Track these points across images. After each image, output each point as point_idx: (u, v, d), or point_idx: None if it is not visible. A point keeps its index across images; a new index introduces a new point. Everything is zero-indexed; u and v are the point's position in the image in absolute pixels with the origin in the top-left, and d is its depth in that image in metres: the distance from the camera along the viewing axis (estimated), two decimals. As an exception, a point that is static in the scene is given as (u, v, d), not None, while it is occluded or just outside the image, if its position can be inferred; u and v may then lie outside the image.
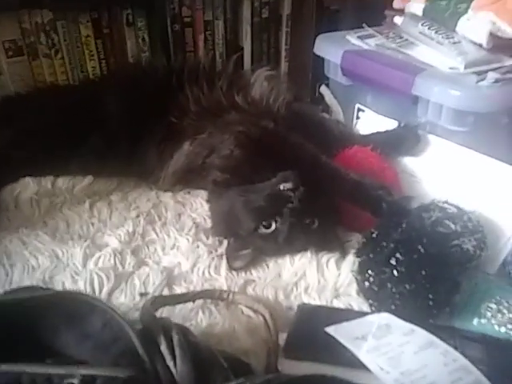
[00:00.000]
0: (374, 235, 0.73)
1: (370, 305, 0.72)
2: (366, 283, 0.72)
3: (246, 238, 0.82)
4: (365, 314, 0.70)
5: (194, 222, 0.94)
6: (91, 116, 1.03)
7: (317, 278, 0.80)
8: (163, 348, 0.46)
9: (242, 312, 0.73)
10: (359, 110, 1.12)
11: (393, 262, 0.68)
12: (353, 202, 0.81)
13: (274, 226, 0.79)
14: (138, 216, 0.95)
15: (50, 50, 1.18)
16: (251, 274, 0.82)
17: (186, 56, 1.29)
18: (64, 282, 0.78)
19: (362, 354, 0.59)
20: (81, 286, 0.77)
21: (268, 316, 0.70)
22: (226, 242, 0.87)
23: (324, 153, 0.88)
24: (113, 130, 1.03)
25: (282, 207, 0.78)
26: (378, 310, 0.70)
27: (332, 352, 0.61)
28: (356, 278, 0.75)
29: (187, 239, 0.88)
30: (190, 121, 0.99)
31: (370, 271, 0.70)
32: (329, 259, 0.82)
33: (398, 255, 0.68)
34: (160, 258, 0.85)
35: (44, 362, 0.45)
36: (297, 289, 0.79)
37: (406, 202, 0.75)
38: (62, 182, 0.99)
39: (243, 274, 0.82)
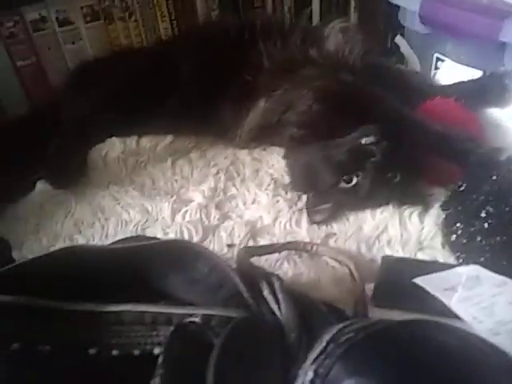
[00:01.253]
0: (462, 188, 0.72)
1: (458, 257, 0.71)
2: (454, 236, 0.71)
3: (326, 192, 0.83)
4: (452, 266, 0.70)
5: (272, 178, 0.95)
6: (167, 77, 1.05)
7: (399, 231, 0.80)
8: (266, 293, 0.49)
9: (327, 263, 0.75)
10: (438, 59, 1.08)
11: (483, 214, 0.67)
12: (439, 155, 0.79)
13: (355, 180, 0.80)
14: (217, 173, 0.98)
15: (124, 13, 1.21)
16: (332, 227, 0.83)
17: (255, 12, 1.27)
18: (156, 234, 0.83)
19: (454, 303, 0.59)
20: (172, 237, 0.81)
21: (353, 267, 0.72)
22: (305, 197, 0.88)
23: (404, 105, 0.86)
24: (188, 90, 1.04)
25: (364, 162, 0.77)
26: (466, 263, 0.69)
27: (422, 301, 0.62)
28: (442, 231, 0.75)
29: (267, 194, 0.90)
30: (265, 77, 0.99)
31: (458, 224, 0.70)
32: (411, 213, 0.82)
33: (488, 208, 0.67)
34: (242, 212, 0.88)
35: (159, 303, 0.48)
36: (379, 242, 0.79)
37: (494, 154, 0.73)
38: (146, 141, 1.04)
39: (324, 227, 0.83)
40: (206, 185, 0.93)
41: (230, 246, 0.80)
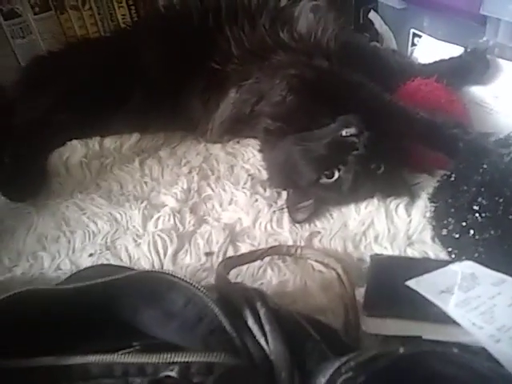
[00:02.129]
0: (451, 179, 0.67)
1: (449, 252, 0.67)
2: (444, 230, 0.67)
3: (307, 188, 0.78)
4: (444, 262, 0.66)
5: (249, 174, 0.90)
6: (128, 69, 0.98)
7: (386, 225, 0.75)
8: (251, 323, 0.44)
9: (313, 267, 0.70)
10: (415, 35, 1.03)
11: (476, 207, 0.63)
12: (425, 144, 0.75)
13: (337, 175, 0.74)
14: (190, 172, 0.92)
15: (76, 1, 1.12)
16: (315, 225, 0.78)
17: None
18: (127, 246, 0.77)
19: (451, 308, 0.55)
20: (144, 249, 0.75)
21: (340, 270, 0.67)
22: (285, 194, 0.83)
23: (383, 88, 0.81)
24: (152, 83, 0.97)
25: (346, 155, 0.72)
26: (459, 258, 0.65)
27: (416, 307, 0.57)
28: (431, 225, 0.70)
29: (244, 193, 0.85)
30: (234, 66, 0.93)
31: (449, 218, 0.65)
32: (397, 205, 0.78)
33: (481, 200, 0.63)
34: (219, 215, 0.82)
35: (132, 346, 0.43)
36: (366, 238, 0.75)
37: (484, 140, 0.68)
38: (110, 141, 0.97)
39: (307, 226, 0.78)
40: (178, 186, 0.87)
41: (208, 254, 0.74)
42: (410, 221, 0.76)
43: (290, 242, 0.75)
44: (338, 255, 0.72)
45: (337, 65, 0.83)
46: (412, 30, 1.03)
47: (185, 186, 0.87)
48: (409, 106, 0.75)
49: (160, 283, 0.45)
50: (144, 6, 1.18)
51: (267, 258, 0.71)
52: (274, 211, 0.80)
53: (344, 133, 0.72)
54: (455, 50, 0.93)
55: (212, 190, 0.87)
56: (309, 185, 0.77)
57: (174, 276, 0.44)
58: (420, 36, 1.01)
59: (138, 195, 0.87)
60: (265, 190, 0.86)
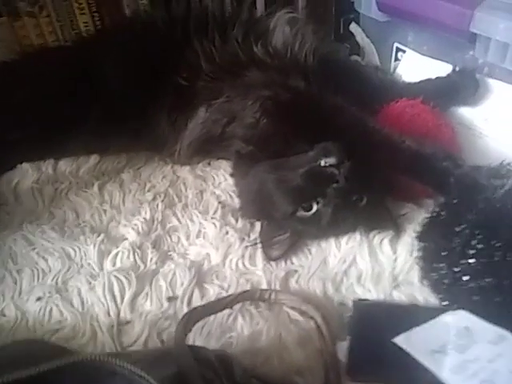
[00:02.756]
0: (441, 216, 0.61)
1: (441, 299, 0.60)
2: (435, 274, 0.60)
3: (282, 221, 0.70)
4: (435, 310, 0.59)
5: (220, 202, 0.82)
6: (88, 83, 0.88)
7: (370, 263, 0.69)
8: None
9: (289, 315, 0.62)
10: (398, 50, 0.96)
11: (470, 251, 0.56)
12: (411, 177, 0.68)
13: (315, 207, 0.67)
14: (154, 198, 0.83)
15: (33, 7, 1.02)
16: (292, 263, 0.71)
17: (190, 3, 1.10)
18: (80, 288, 0.68)
19: (446, 374, 0.48)
20: (99, 292, 0.67)
21: (320, 319, 0.60)
22: (258, 226, 0.75)
23: (365, 109, 0.74)
24: (114, 98, 0.88)
25: (325, 187, 0.65)
26: (451, 306, 0.58)
27: (406, 370, 0.50)
28: (420, 266, 0.63)
29: (214, 224, 0.77)
30: (203, 82, 0.85)
31: (440, 262, 0.58)
32: (382, 240, 0.71)
33: (475, 243, 0.56)
34: (186, 250, 0.74)
35: None
36: (347, 278, 0.68)
37: (477, 174, 0.62)
38: (65, 164, 0.88)
39: (283, 263, 0.71)
40: (140, 217, 0.78)
41: (171, 299, 0.66)
42: (396, 259, 0.69)
43: (264, 283, 0.68)
44: (316, 299, 0.65)
45: (315, 84, 0.75)
46: (396, 45, 0.96)
47: (148, 216, 0.79)
48: (394, 132, 0.68)
49: (97, 374, 0.36)
50: (108, 14, 1.09)
51: (238, 305, 0.63)
52: (247, 246, 0.73)
53: (323, 163, 0.65)
54: (441, 67, 0.86)
55: (178, 220, 0.78)
56: (284, 217, 0.69)
57: (116, 362, 0.36)
58: (404, 51, 0.95)
59: (95, 226, 0.78)
60: (236, 220, 0.78)
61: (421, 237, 0.63)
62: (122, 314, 0.65)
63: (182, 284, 0.67)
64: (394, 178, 0.73)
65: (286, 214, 0.68)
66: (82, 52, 0.97)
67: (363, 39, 1.03)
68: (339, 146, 0.65)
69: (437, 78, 0.83)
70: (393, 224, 0.72)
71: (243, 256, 0.71)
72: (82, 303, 0.66)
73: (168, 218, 0.79)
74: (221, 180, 0.87)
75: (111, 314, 0.65)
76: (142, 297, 0.67)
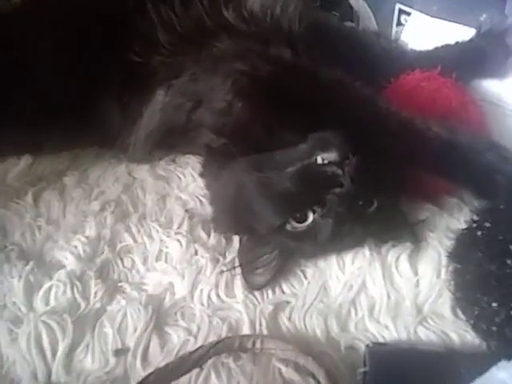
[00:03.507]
0: (485, 228, 0.44)
1: (488, 344, 0.44)
2: (476, 310, 0.44)
3: (268, 236, 0.54)
4: (481, 357, 0.43)
5: (186, 210, 0.64)
6: (10, 67, 0.69)
7: (384, 289, 0.53)
8: None
9: (280, 373, 0.46)
10: (402, 12, 0.79)
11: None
12: (442, 176, 0.51)
13: (311, 218, 0.51)
14: (102, 208, 0.65)
15: None
16: (283, 292, 0.55)
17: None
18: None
19: None
20: (22, 345, 0.49)
21: (323, 377, 0.43)
22: (236, 242, 0.58)
23: (367, 85, 0.56)
24: (47, 83, 0.69)
25: (324, 192, 0.48)
26: (505, 354, 0.42)
27: None
28: (454, 294, 0.47)
29: (179, 241, 0.60)
30: (161, 57, 0.67)
31: (486, 292, 0.42)
32: (398, 256, 0.55)
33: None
34: (142, 279, 0.57)
35: None
36: (356, 311, 0.52)
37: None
38: (-14, 170, 0.69)
39: (270, 293, 0.54)
40: (81, 236, 0.61)
41: (119, 352, 0.49)
42: (418, 281, 0.53)
43: (246, 321, 0.52)
44: (316, 342, 0.49)
45: (304, 55, 0.58)
46: (398, 6, 0.79)
47: (92, 233, 0.61)
48: (414, 114, 0.50)
49: None
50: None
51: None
52: (222, 271, 0.56)
53: (320, 160, 0.48)
54: (458, 31, 0.70)
55: (132, 237, 0.61)
56: (270, 231, 0.53)
57: None
58: (409, 13, 0.78)
59: (25, 249, 0.60)
60: (208, 235, 0.61)
61: (454, 255, 0.47)
62: (53, 377, 0.48)
63: (136, 329, 0.50)
64: (409, 173, 0.56)
65: (272, 227, 0.53)
66: (2, 26, 0.76)
67: (358, 1, 0.85)
68: (341, 136, 0.48)
69: (456, 43, 0.66)
70: (411, 233, 0.56)
71: (217, 285, 0.55)
72: (1, 361, 0.49)
73: (119, 234, 0.61)
74: (188, 181, 0.70)
75: (39, 376, 0.48)
76: (81, 350, 0.49)
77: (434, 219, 0.58)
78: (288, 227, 0.51)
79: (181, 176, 0.71)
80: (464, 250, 0.46)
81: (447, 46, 0.68)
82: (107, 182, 0.71)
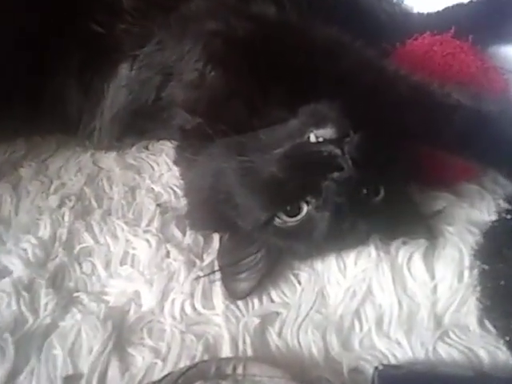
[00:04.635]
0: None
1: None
2: (511, 321, 0.35)
3: (252, 233, 0.45)
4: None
5: (158, 204, 0.55)
6: None
7: (395, 296, 0.44)
8: None
9: (269, 406, 0.36)
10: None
11: None
12: (468, 156, 0.41)
13: (304, 210, 0.42)
14: (61, 204, 0.56)
15: None
16: (271, 300, 0.46)
17: None
18: None
19: None
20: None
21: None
22: (216, 241, 0.49)
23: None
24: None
25: (320, 178, 0.39)
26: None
27: None
28: (482, 304, 0.38)
29: (147, 241, 0.51)
30: (125, 25, 0.59)
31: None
32: (410, 256, 0.46)
33: None
34: (103, 287, 0.48)
35: None
36: (360, 324, 0.43)
37: None
38: None
39: (256, 303, 0.45)
40: (31, 236, 0.52)
41: (68, 379, 0.39)
42: (436, 286, 0.43)
43: (226, 338, 0.43)
44: (312, 365, 0.41)
45: (292, 12, 0.48)
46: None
47: (46, 233, 0.52)
48: (430, 79, 0.41)
49: None
50: None
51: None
52: (199, 276, 0.46)
53: (314, 138, 0.39)
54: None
55: (94, 237, 0.52)
56: (256, 228, 0.44)
57: None
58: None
59: (-34, 253, 0.51)
60: (183, 233, 0.51)
61: (481, 254, 0.38)
62: (-13, 413, 0.39)
63: (91, 351, 0.41)
64: (423, 154, 0.47)
65: (257, 223, 0.44)
66: None
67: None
68: (339, 108, 0.38)
69: (470, 2, 0.57)
70: (425, 228, 0.47)
71: (192, 294, 0.46)
72: None
73: (78, 234, 0.52)
74: (162, 170, 0.61)
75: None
76: (24, 377, 0.41)
77: (451, 210, 0.49)
78: (277, 222, 0.43)
79: (154, 165, 0.62)
80: (493, 248, 0.37)
81: (459, 5, 0.59)
82: (69, 174, 0.62)
